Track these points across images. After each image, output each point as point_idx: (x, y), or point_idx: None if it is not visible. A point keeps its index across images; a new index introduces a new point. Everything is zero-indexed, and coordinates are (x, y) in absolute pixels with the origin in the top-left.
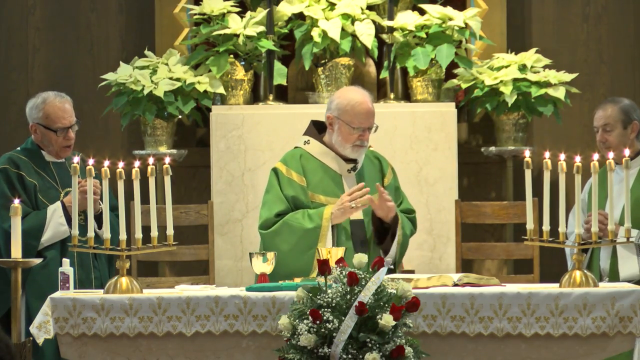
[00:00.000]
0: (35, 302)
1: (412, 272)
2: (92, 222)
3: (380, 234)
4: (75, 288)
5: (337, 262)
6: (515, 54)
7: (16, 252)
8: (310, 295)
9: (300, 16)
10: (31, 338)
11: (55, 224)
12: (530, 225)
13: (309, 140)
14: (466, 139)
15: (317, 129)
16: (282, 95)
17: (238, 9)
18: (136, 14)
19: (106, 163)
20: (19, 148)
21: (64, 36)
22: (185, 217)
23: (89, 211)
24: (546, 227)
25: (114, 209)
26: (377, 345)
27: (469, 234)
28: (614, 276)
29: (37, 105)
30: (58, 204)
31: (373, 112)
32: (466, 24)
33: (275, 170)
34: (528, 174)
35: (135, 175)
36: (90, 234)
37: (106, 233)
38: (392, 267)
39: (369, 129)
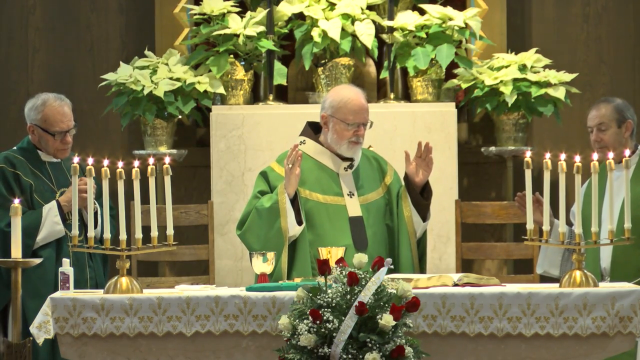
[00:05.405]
0: (30, 301)
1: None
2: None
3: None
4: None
5: (337, 262)
6: (515, 54)
7: (16, 252)
8: (310, 295)
9: (300, 16)
10: (31, 338)
11: (50, 223)
12: (530, 225)
13: (304, 141)
14: (466, 139)
15: (313, 129)
16: (282, 95)
17: (238, 9)
18: (136, 14)
19: (105, 162)
20: (15, 147)
21: (64, 36)
22: (185, 217)
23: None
24: (546, 227)
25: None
26: (377, 345)
27: (469, 234)
28: (614, 276)
29: (37, 107)
30: (53, 203)
31: (367, 108)
32: (466, 24)
33: (263, 174)
34: (528, 174)
35: (135, 175)
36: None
37: (106, 233)
38: (392, 266)
39: (363, 125)
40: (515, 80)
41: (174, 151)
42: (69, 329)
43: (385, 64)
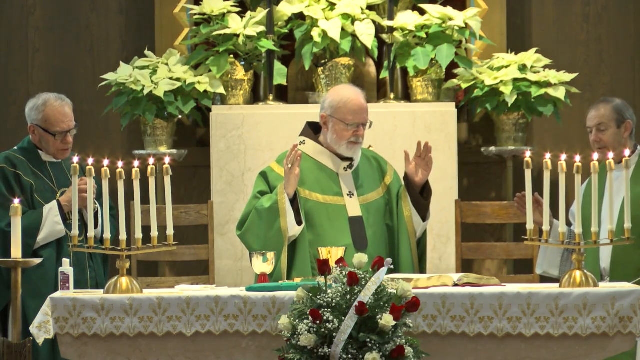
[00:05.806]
0: (30, 301)
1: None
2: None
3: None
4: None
5: (337, 262)
6: (515, 54)
7: (16, 252)
8: (310, 295)
9: (300, 16)
10: (31, 338)
11: (51, 223)
12: (530, 225)
13: (304, 141)
14: (466, 139)
15: (313, 130)
16: (282, 95)
17: (238, 9)
18: (136, 14)
19: (105, 162)
20: (16, 147)
21: (64, 36)
22: (185, 217)
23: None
24: (546, 227)
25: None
26: (377, 345)
27: (469, 234)
28: (614, 276)
29: (38, 107)
30: (54, 202)
31: (366, 108)
32: (466, 24)
33: (263, 174)
34: (528, 174)
35: (135, 175)
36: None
37: (106, 233)
38: (392, 266)
39: (363, 125)
40: (515, 80)
41: (174, 151)
42: (69, 329)
43: (385, 64)
